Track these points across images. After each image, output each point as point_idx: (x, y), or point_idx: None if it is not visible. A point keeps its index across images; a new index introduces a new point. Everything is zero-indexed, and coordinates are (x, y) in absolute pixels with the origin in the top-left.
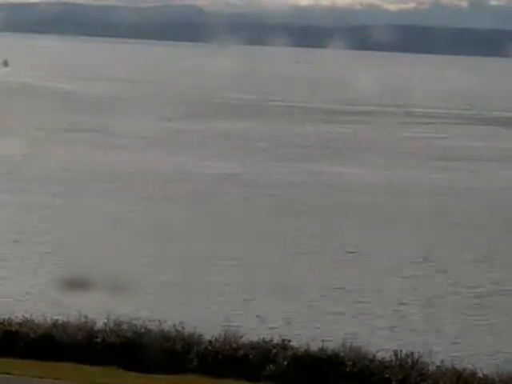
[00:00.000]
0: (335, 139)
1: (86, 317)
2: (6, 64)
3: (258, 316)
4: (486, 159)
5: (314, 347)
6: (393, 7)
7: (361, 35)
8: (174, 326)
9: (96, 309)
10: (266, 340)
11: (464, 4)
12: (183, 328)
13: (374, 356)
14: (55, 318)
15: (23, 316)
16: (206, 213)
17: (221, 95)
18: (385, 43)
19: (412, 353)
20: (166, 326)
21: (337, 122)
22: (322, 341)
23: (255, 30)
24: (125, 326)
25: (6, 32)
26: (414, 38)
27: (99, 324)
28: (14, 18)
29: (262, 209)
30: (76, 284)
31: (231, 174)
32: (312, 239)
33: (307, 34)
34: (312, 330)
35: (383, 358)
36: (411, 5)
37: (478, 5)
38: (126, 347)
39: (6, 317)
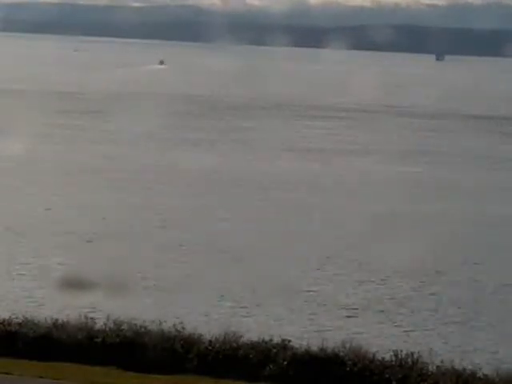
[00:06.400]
0: None
1: (86, 317)
2: (162, 63)
3: (257, 315)
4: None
5: (314, 347)
6: (393, 7)
7: (359, 35)
8: (174, 325)
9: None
10: (266, 340)
11: (464, 4)
12: (183, 328)
13: (374, 356)
14: (55, 317)
15: (23, 316)
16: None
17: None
18: (384, 43)
19: (412, 353)
20: (165, 326)
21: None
22: (322, 341)
23: (254, 30)
24: (125, 326)
25: (5, 32)
26: (413, 38)
27: (99, 324)
28: (14, 18)
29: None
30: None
31: None
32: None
33: (306, 34)
34: (312, 330)
35: (383, 358)
36: (411, 5)
37: (478, 4)
38: (125, 347)
39: (6, 317)
